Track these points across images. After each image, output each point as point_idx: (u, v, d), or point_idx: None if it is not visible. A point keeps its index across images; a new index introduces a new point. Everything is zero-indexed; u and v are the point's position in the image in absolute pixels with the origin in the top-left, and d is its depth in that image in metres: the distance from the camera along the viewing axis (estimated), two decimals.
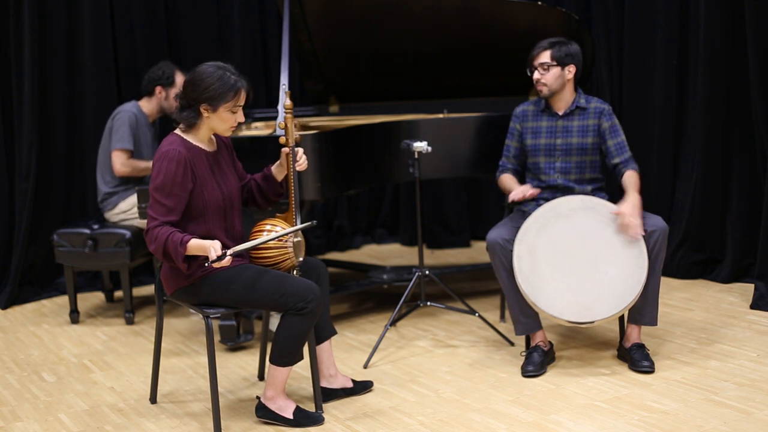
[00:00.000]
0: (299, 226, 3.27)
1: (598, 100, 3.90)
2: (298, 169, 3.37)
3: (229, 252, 3.00)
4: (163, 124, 5.08)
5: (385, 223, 6.48)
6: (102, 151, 4.83)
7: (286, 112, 3.38)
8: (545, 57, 3.78)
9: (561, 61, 3.77)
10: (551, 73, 3.78)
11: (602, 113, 3.85)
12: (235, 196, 3.30)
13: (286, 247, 3.28)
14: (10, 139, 5.20)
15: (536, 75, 3.81)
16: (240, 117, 3.18)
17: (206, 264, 3.04)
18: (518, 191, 3.78)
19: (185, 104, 3.17)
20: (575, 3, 5.47)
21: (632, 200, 3.60)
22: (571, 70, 3.80)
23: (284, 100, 3.36)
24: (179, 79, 4.80)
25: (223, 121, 3.16)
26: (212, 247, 3.00)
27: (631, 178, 3.71)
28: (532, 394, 3.45)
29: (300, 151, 3.37)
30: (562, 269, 3.58)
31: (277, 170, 3.41)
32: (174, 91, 4.81)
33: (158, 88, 4.83)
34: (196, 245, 3.05)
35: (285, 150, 3.35)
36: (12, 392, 3.73)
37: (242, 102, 3.17)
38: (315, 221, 3.29)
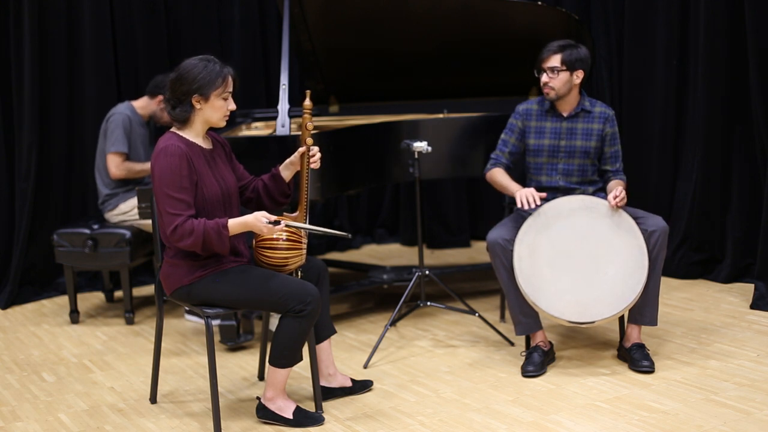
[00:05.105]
0: (338, 232, 3.24)
1: (603, 105, 3.89)
2: (312, 166, 3.36)
3: (283, 222, 3.08)
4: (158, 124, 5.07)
5: (385, 223, 6.48)
6: (99, 153, 4.83)
7: (305, 112, 3.37)
8: (555, 61, 3.74)
9: (570, 66, 3.74)
10: (560, 78, 3.74)
11: (607, 119, 3.85)
12: (233, 193, 3.29)
13: (301, 248, 3.27)
14: (10, 139, 5.20)
15: (544, 78, 3.77)
16: (231, 105, 3.20)
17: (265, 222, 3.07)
18: (524, 195, 3.67)
19: (176, 102, 3.17)
20: (575, 3, 5.47)
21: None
22: (579, 75, 3.77)
23: (305, 100, 3.37)
24: None
25: (216, 109, 3.17)
26: (261, 218, 3.06)
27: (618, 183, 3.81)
28: (532, 394, 3.45)
29: (316, 149, 3.36)
30: (562, 269, 3.58)
31: (285, 169, 3.39)
32: None
33: (162, 97, 4.80)
34: (238, 223, 3.09)
35: (301, 150, 3.34)
36: (12, 392, 3.73)
37: (230, 88, 3.18)
38: (350, 234, 3.30)
